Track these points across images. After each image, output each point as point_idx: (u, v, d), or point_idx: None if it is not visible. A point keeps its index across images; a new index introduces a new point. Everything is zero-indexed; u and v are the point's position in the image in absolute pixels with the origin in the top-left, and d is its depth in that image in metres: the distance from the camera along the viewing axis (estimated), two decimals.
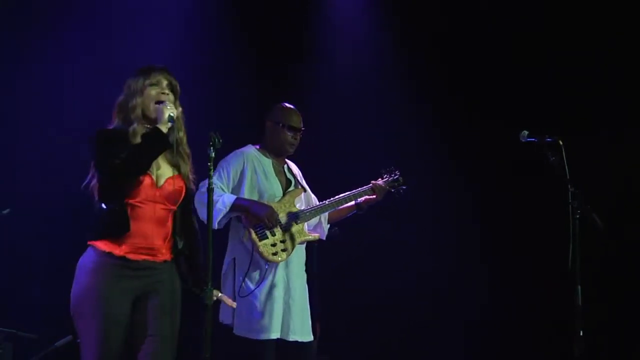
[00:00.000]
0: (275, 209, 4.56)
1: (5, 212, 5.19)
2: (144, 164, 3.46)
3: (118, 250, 3.44)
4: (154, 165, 3.52)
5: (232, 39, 6.33)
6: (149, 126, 3.54)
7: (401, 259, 6.33)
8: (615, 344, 5.84)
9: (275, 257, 4.52)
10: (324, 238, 4.93)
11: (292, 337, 4.53)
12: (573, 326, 4.16)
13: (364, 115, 6.49)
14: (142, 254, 3.48)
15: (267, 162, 4.69)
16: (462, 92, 6.35)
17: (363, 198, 4.81)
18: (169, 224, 3.57)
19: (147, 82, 3.57)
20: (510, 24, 6.24)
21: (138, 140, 3.49)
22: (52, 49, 5.79)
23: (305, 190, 4.78)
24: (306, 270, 4.75)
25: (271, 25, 6.38)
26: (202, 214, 4.19)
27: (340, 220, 4.95)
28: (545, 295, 5.96)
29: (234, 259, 4.57)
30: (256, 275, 4.52)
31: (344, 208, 4.83)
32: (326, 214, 4.84)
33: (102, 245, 3.44)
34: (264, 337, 4.45)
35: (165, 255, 3.56)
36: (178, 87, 3.64)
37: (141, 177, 3.48)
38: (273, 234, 4.53)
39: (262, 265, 4.52)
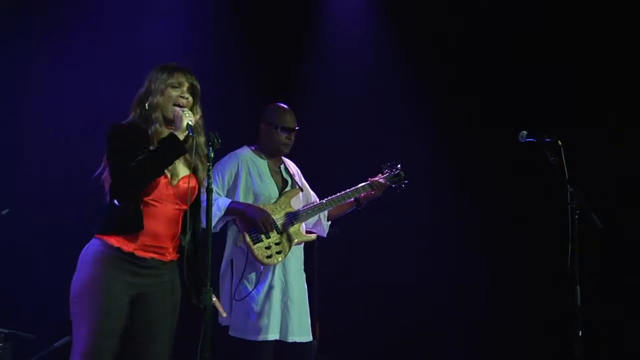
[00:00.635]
0: (271, 211, 4.56)
1: (5, 212, 5.19)
2: (158, 170, 3.44)
3: (127, 247, 3.42)
4: None
5: (233, 38, 6.33)
6: (168, 128, 3.51)
7: (401, 258, 6.33)
8: (615, 344, 5.85)
9: (269, 260, 4.51)
10: (325, 235, 4.93)
11: (290, 339, 4.53)
12: (573, 326, 4.16)
13: (364, 115, 6.48)
14: (150, 252, 3.46)
15: (262, 163, 4.69)
16: (462, 92, 6.35)
17: (362, 194, 4.81)
18: (179, 223, 3.55)
19: (169, 82, 3.53)
20: (510, 23, 6.24)
21: (156, 143, 3.46)
22: (52, 48, 5.79)
23: (302, 190, 4.77)
24: (305, 270, 4.75)
25: (271, 25, 6.38)
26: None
27: (341, 217, 4.95)
28: (544, 295, 5.96)
29: (232, 260, 4.57)
30: (253, 277, 4.53)
31: (343, 204, 4.83)
32: (325, 212, 4.84)
33: (111, 240, 3.42)
34: (259, 338, 4.46)
35: (172, 254, 3.55)
36: (199, 89, 3.61)
37: None
38: (268, 237, 4.52)
39: (258, 267, 4.52)
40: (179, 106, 3.53)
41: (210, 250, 3.43)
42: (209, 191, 3.50)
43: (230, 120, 5.81)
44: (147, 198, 3.45)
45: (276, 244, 4.54)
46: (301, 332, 4.59)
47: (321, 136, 6.17)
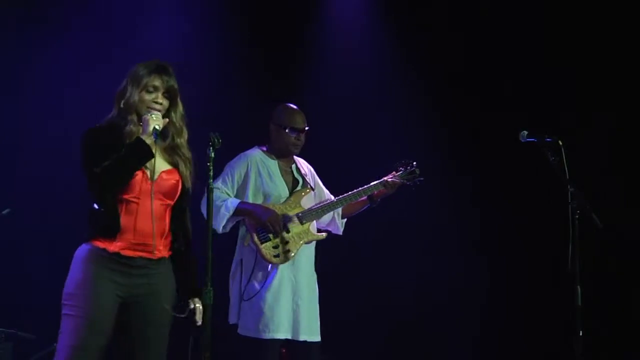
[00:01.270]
0: (280, 210, 4.56)
1: (5, 212, 5.19)
2: (125, 175, 3.41)
3: (112, 247, 3.40)
4: None
5: (233, 38, 6.33)
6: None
7: (401, 258, 6.33)
8: (615, 344, 5.84)
9: (277, 259, 4.52)
10: (340, 233, 4.93)
11: (302, 337, 4.54)
12: (573, 326, 4.16)
13: (364, 115, 6.48)
14: (138, 250, 3.44)
15: (273, 164, 4.69)
16: (462, 91, 6.35)
17: (376, 191, 4.80)
18: (167, 220, 3.52)
19: (144, 84, 3.49)
20: (510, 23, 6.24)
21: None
22: (52, 48, 5.79)
23: (314, 190, 4.77)
24: (316, 270, 4.74)
25: (271, 25, 6.38)
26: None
27: (353, 215, 4.94)
28: (544, 296, 5.96)
29: (241, 260, 4.58)
30: (261, 276, 4.53)
31: (357, 203, 4.82)
32: (339, 210, 4.83)
33: (97, 242, 3.41)
34: (268, 336, 4.46)
35: (162, 252, 3.50)
36: (177, 90, 3.54)
37: None
38: (276, 236, 4.53)
39: (267, 266, 4.52)
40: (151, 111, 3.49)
41: (210, 249, 3.43)
42: (210, 191, 3.50)
43: (230, 120, 5.82)
44: (126, 195, 3.42)
45: (284, 243, 4.54)
46: (311, 331, 4.58)
47: (321, 136, 6.16)
